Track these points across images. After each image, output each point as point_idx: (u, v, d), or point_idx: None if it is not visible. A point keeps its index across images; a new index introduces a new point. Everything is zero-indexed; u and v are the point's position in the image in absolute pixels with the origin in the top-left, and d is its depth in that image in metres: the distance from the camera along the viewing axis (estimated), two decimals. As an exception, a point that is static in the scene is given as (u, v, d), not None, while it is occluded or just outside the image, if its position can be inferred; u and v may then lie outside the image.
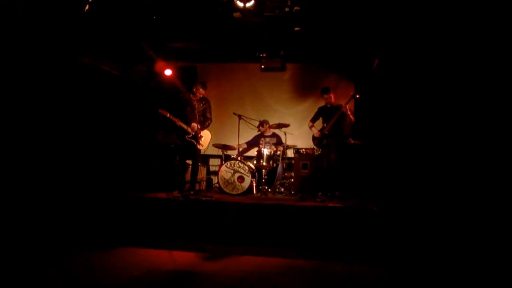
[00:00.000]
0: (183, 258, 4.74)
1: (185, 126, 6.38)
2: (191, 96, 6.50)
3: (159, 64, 7.61)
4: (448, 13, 5.49)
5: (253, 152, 7.59)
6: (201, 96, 6.51)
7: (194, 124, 6.40)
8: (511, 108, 5.19)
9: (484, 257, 4.45)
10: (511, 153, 5.11)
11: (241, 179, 6.78)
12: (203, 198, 6.02)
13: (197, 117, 6.41)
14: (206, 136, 6.73)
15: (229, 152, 7.61)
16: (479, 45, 5.57)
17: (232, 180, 6.79)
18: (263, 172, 7.08)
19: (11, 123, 5.56)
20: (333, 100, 6.80)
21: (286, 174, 7.30)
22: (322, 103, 7.08)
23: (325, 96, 6.80)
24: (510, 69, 5.23)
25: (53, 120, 6.21)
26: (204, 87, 6.58)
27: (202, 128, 6.58)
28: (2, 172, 5.37)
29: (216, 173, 7.36)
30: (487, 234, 4.76)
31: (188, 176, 6.84)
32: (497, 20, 5.19)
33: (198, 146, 6.55)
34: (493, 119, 5.42)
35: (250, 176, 6.79)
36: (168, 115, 6.28)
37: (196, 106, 6.42)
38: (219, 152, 7.63)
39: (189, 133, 6.40)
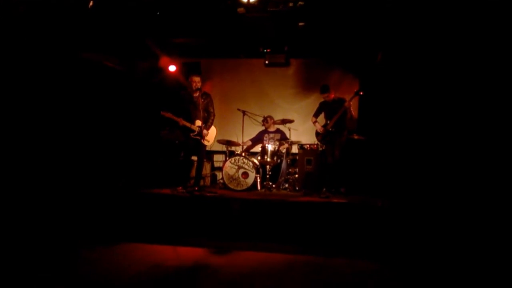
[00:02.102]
0: (187, 253, 4.75)
1: (188, 125, 6.38)
2: (192, 93, 6.49)
3: (163, 60, 7.61)
4: (450, 7, 5.45)
5: (257, 148, 7.59)
6: (199, 86, 6.45)
7: (198, 121, 6.40)
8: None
9: (488, 255, 4.43)
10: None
11: (245, 175, 6.78)
12: (208, 194, 6.02)
13: (201, 113, 6.40)
14: (211, 132, 6.72)
15: (233, 148, 7.61)
16: (482, 39, 5.52)
17: (237, 176, 6.80)
18: (267, 168, 7.08)
19: (16, 119, 5.59)
20: (332, 96, 6.78)
21: (290, 170, 7.29)
22: (323, 99, 7.06)
23: (324, 95, 6.78)
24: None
25: (58, 116, 6.24)
26: (196, 74, 6.56)
27: (207, 127, 6.56)
28: (7, 168, 5.40)
29: (220, 169, 7.37)
30: (492, 231, 4.73)
31: (192, 172, 6.85)
32: (499, 14, 5.15)
33: (204, 142, 6.55)
34: (497, 113, 5.38)
35: (255, 172, 6.79)
36: (170, 116, 6.28)
37: (198, 102, 6.40)
38: (223, 148, 7.63)
39: (193, 131, 6.40)
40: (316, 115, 7.02)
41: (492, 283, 3.90)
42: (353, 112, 6.64)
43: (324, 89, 6.75)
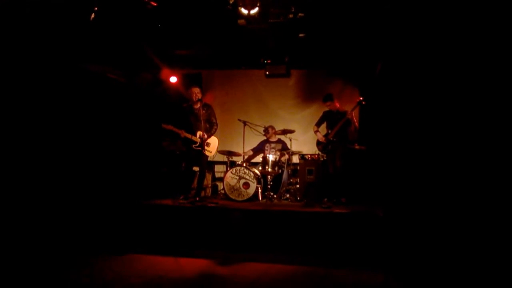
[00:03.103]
0: (189, 265, 4.74)
1: (190, 136, 6.40)
2: (193, 105, 6.52)
3: (164, 72, 7.66)
4: (451, 17, 5.49)
5: (258, 158, 7.59)
6: (200, 97, 6.49)
7: (199, 133, 6.42)
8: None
9: (494, 265, 4.41)
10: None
11: (246, 185, 6.78)
12: (209, 205, 6.02)
13: (203, 124, 6.42)
14: (213, 143, 6.75)
15: (234, 159, 7.62)
16: (483, 48, 5.55)
17: (238, 186, 6.80)
18: (269, 178, 7.08)
19: (21, 130, 5.62)
20: (337, 105, 6.80)
21: (291, 180, 7.29)
22: (327, 108, 7.09)
23: (327, 103, 6.80)
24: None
25: (61, 127, 6.26)
26: (196, 86, 6.62)
27: (209, 136, 6.59)
28: (13, 180, 5.42)
29: (221, 179, 7.37)
30: (496, 240, 4.71)
31: (194, 183, 6.85)
32: (503, 26, 5.18)
33: (206, 153, 6.57)
34: (499, 123, 5.39)
35: (256, 182, 6.79)
36: (172, 129, 6.30)
37: (200, 114, 6.43)
38: (224, 158, 7.64)
39: (195, 142, 6.42)
40: (318, 124, 7.03)
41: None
42: (356, 123, 6.64)
43: (327, 98, 6.77)
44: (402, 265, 4.61)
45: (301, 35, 6.69)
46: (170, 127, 6.32)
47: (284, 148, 7.53)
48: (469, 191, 5.41)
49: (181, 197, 6.34)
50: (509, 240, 4.59)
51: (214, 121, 6.69)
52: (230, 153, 7.41)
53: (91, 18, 5.59)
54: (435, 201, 5.60)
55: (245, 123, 7.30)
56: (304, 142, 8.02)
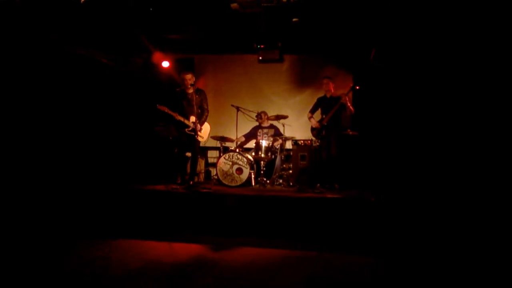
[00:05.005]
0: (182, 249, 4.76)
1: (183, 119, 6.38)
2: (186, 90, 6.48)
3: (156, 56, 7.57)
4: (444, 6, 5.48)
5: (251, 143, 7.59)
6: (191, 82, 6.45)
7: (192, 117, 6.40)
8: (509, 98, 5.21)
9: (481, 251, 4.48)
10: (507, 142, 5.15)
11: (239, 171, 6.78)
12: (202, 190, 6.02)
13: (195, 109, 6.39)
14: (205, 128, 6.73)
15: (227, 144, 7.61)
16: (477, 37, 5.56)
17: (231, 172, 6.80)
18: (262, 163, 7.09)
19: (9, 116, 5.55)
20: (331, 90, 6.78)
21: (284, 165, 7.30)
22: (321, 94, 7.08)
23: (325, 80, 6.83)
24: (507, 58, 5.23)
25: (50, 112, 6.20)
26: (189, 72, 6.58)
27: (202, 122, 6.56)
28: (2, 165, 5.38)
29: (214, 165, 7.36)
30: (484, 227, 4.79)
31: (187, 168, 6.84)
32: (494, 9, 5.18)
33: (198, 138, 6.55)
34: (490, 115, 5.43)
35: (249, 168, 6.79)
36: (166, 110, 6.26)
37: (192, 99, 6.39)
38: (217, 144, 7.62)
39: (188, 126, 6.39)
40: (312, 111, 7.01)
41: (484, 276, 3.95)
42: (351, 107, 6.63)
43: (326, 76, 6.79)
44: (392, 248, 4.67)
45: (294, 20, 6.62)
46: (164, 108, 6.28)
47: (276, 134, 7.53)
48: (460, 174, 5.48)
49: (175, 182, 6.33)
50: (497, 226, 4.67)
51: (206, 107, 6.66)
52: (223, 139, 7.39)
53: (82, 1, 5.49)
54: (426, 186, 5.67)
55: (238, 108, 7.27)
56: (297, 127, 8.01)
